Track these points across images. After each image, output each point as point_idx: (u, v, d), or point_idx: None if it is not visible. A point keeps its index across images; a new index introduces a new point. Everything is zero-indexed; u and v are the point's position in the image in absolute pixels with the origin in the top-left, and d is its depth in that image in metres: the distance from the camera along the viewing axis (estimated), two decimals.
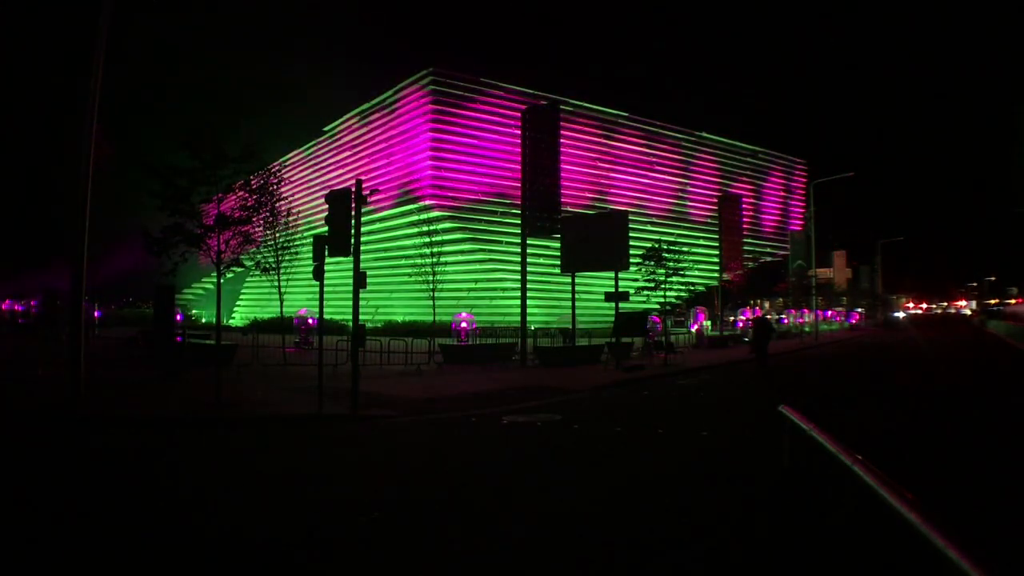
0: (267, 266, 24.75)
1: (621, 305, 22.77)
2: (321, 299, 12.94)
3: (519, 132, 29.55)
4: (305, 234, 31.17)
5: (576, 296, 25.59)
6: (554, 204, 27.35)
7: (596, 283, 42.31)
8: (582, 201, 59.70)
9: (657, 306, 28.71)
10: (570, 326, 26.18)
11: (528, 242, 26.51)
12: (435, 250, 32.59)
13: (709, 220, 67.86)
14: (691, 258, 28.09)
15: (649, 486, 7.01)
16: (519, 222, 28.08)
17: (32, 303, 41.44)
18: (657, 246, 25.54)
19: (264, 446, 9.49)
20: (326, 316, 14.94)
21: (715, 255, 53.79)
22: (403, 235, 53.39)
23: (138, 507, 6.14)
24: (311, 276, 12.32)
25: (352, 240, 12.36)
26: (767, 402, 10.18)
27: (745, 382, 18.52)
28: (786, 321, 57.01)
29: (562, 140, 30.50)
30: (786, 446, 6.91)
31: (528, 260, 26.49)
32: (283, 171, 28.65)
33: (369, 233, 51.70)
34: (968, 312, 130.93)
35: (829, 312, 64.23)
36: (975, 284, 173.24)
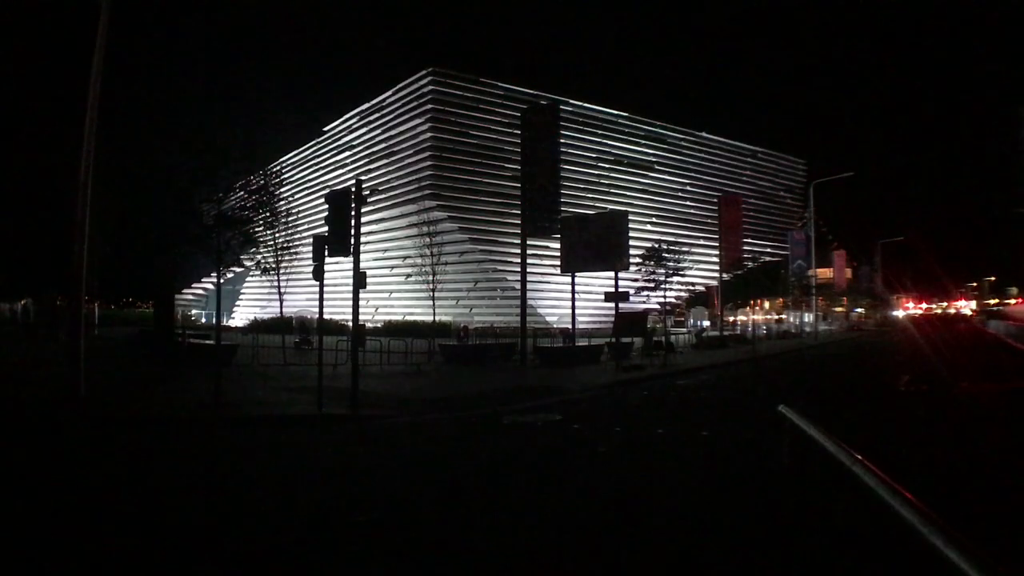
0: (267, 266, 24.80)
1: (621, 305, 22.77)
2: (321, 299, 12.95)
3: (519, 132, 29.57)
4: (305, 234, 31.21)
5: (576, 296, 25.59)
6: (554, 204, 27.35)
7: (596, 283, 42.31)
8: (582, 201, 59.68)
9: (657, 306, 28.73)
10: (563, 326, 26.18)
11: (528, 242, 26.52)
12: (435, 250, 32.63)
13: (709, 220, 67.89)
14: (691, 258, 28.12)
15: (649, 487, 7.01)
16: (519, 222, 28.09)
17: (30, 303, 41.40)
18: (657, 246, 25.56)
19: (264, 445, 9.49)
20: (325, 316, 14.93)
21: (715, 255, 53.82)
22: (403, 235, 53.41)
23: (138, 506, 6.13)
24: (311, 276, 12.33)
25: (352, 240, 12.36)
26: (766, 402, 10.18)
27: (744, 383, 18.52)
28: (786, 320, 57.02)
29: (562, 140, 30.52)
30: (786, 446, 6.91)
31: (528, 260, 26.51)
32: (283, 171, 28.71)
33: (369, 233, 51.70)
34: (968, 312, 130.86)
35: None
36: (975, 284, 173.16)
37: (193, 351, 19.23)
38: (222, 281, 13.42)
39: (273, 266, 25.38)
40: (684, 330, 47.60)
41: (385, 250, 58.66)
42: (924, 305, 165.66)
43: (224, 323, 41.17)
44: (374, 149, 66.42)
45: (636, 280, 25.44)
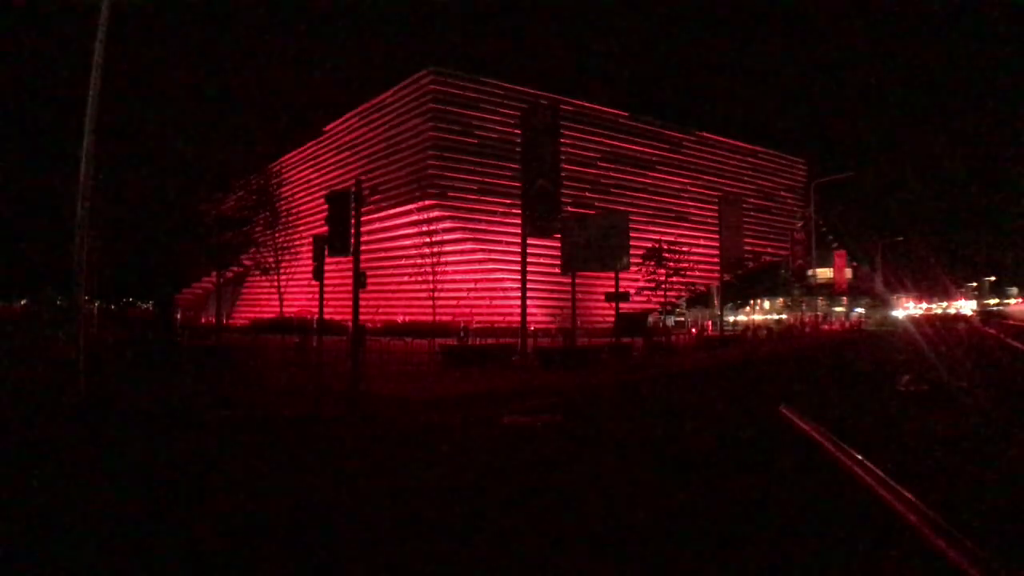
0: (267, 267, 24.80)
1: (622, 305, 22.77)
2: (321, 299, 12.95)
3: (519, 132, 29.58)
4: (305, 234, 31.23)
5: (576, 296, 25.59)
6: (554, 204, 27.34)
7: (596, 283, 42.34)
8: (582, 201, 59.70)
9: (657, 306, 28.76)
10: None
11: (528, 242, 26.51)
12: (435, 250, 32.67)
13: (709, 220, 67.92)
14: (691, 258, 28.14)
15: (650, 488, 7.01)
16: (519, 222, 28.09)
17: (30, 302, 41.47)
18: (657, 246, 25.57)
19: (263, 446, 9.47)
20: (325, 316, 14.94)
21: (715, 255, 53.83)
22: (403, 235, 53.45)
23: (138, 506, 6.13)
24: (311, 276, 12.34)
25: (352, 240, 12.36)
26: (767, 403, 10.19)
27: (745, 383, 18.51)
28: (786, 320, 57.07)
29: (562, 140, 30.51)
30: (786, 446, 6.92)
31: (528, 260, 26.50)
32: (283, 171, 28.73)
33: (369, 233, 51.71)
34: (968, 312, 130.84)
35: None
36: (975, 284, 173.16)
37: (193, 351, 19.25)
38: (222, 281, 13.42)
39: (273, 266, 25.36)
40: (684, 330, 47.63)
41: (385, 250, 58.68)
42: (924, 305, 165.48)
43: (224, 323, 41.21)
44: (374, 149, 66.45)
45: (637, 280, 25.45)
